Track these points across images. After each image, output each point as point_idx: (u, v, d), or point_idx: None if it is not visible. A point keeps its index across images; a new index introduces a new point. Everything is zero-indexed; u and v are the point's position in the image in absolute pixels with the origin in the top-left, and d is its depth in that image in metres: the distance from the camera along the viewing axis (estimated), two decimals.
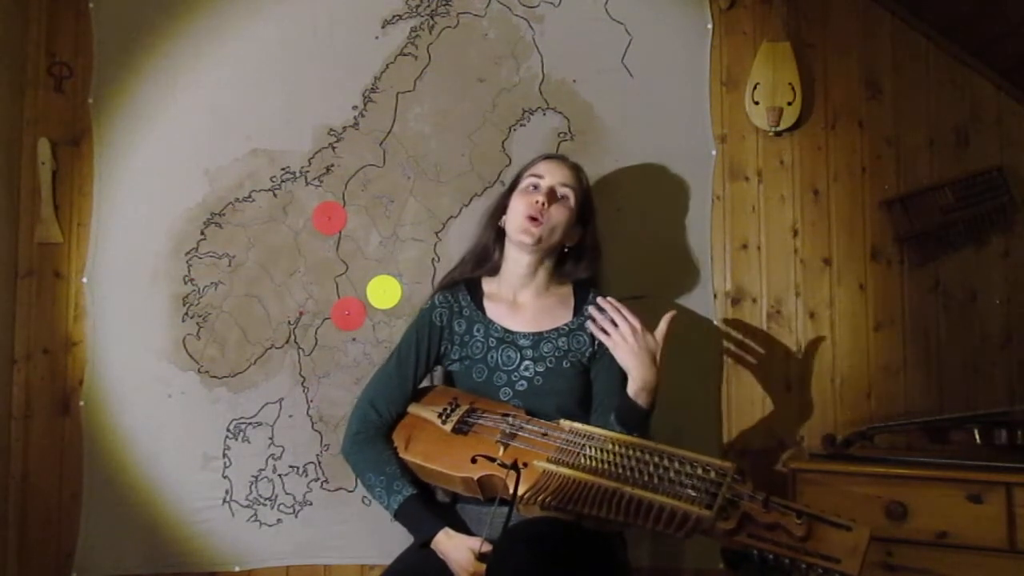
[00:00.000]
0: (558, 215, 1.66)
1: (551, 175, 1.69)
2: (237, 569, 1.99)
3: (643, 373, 1.54)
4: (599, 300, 1.63)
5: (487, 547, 1.41)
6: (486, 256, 1.77)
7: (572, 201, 1.69)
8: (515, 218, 1.68)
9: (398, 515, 1.55)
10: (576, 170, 1.74)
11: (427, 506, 1.56)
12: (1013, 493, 1.59)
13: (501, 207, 1.76)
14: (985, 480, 1.62)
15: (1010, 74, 2.04)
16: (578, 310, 1.70)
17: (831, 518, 1.23)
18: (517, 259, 1.71)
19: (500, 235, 1.76)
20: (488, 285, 1.75)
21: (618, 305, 1.59)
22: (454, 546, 1.49)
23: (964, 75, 2.08)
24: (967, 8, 1.97)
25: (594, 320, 1.61)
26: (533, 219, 1.64)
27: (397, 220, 2.07)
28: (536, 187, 1.69)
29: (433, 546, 1.51)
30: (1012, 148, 2.05)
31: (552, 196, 1.66)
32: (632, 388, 1.55)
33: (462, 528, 1.55)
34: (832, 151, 2.10)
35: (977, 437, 1.80)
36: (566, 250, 1.75)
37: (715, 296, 2.07)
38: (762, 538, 1.22)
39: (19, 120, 2.06)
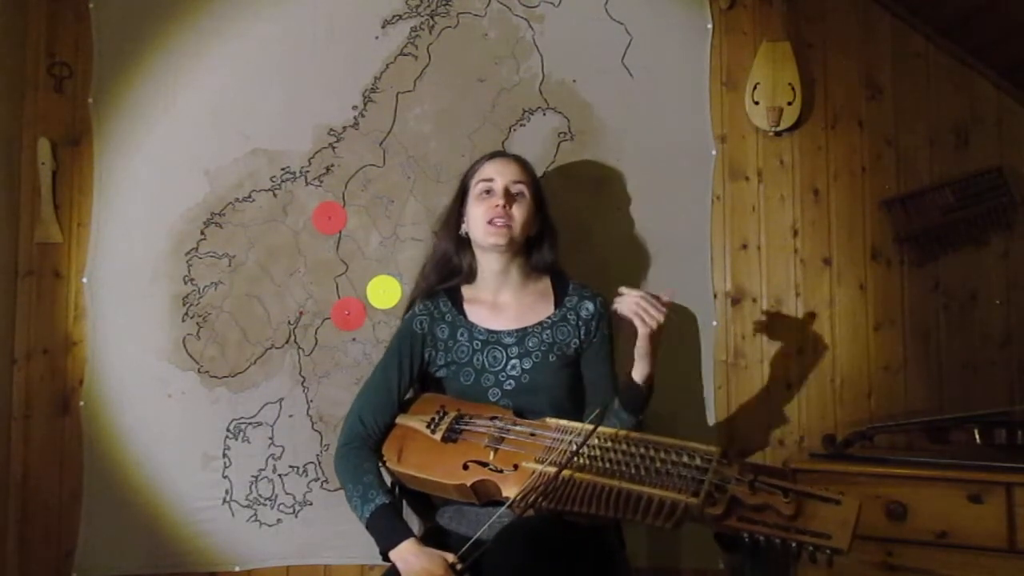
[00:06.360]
0: (520, 213, 1.67)
1: (501, 176, 1.69)
2: (237, 569, 1.99)
3: (656, 361, 1.56)
4: (624, 290, 1.57)
5: (459, 564, 1.39)
6: (448, 266, 1.75)
7: (528, 195, 1.70)
8: (479, 225, 1.67)
9: (369, 523, 1.52)
10: (523, 163, 1.75)
11: (399, 517, 1.54)
12: (1013, 493, 1.59)
13: (456, 216, 1.74)
14: (985, 480, 1.62)
15: (1010, 74, 2.04)
16: (559, 302, 1.70)
17: (818, 492, 1.22)
18: (489, 262, 1.71)
19: (461, 243, 1.74)
20: (467, 290, 1.74)
21: (663, 299, 1.55)
22: (422, 551, 1.45)
23: (964, 75, 2.08)
24: (967, 8, 1.97)
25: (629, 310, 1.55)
26: (498, 223, 1.64)
27: (397, 220, 2.07)
28: (490, 191, 1.68)
29: (394, 554, 1.46)
30: (1012, 148, 2.05)
31: (509, 196, 1.67)
32: (642, 374, 1.55)
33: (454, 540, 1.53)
34: (832, 151, 2.10)
35: (977, 437, 1.80)
36: (530, 238, 1.73)
37: (715, 296, 2.07)
38: (752, 520, 1.22)
39: (19, 120, 2.06)
